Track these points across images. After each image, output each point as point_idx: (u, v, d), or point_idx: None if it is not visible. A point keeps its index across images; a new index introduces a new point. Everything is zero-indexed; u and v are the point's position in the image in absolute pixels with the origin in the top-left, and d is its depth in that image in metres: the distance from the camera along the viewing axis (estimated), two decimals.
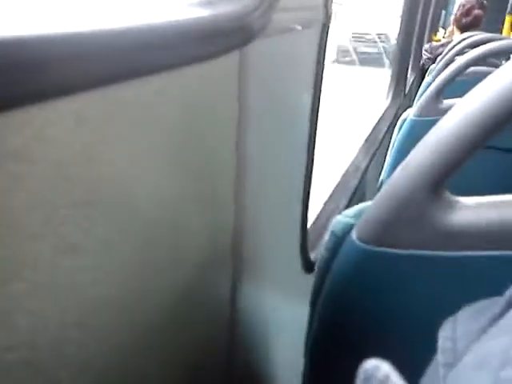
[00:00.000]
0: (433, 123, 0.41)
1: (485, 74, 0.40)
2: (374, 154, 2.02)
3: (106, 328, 0.36)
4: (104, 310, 0.36)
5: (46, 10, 0.29)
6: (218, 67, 0.46)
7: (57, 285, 0.31)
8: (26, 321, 0.29)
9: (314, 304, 0.48)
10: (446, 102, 1.25)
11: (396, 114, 2.48)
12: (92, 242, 0.33)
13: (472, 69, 1.31)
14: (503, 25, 5.09)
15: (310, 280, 0.50)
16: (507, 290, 0.26)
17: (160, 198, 0.40)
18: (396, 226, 0.42)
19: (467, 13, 2.96)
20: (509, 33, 4.83)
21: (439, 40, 3.96)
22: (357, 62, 9.25)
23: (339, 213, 0.48)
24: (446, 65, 1.53)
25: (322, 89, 0.81)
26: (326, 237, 0.47)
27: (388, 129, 2.31)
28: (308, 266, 0.85)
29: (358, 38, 9.49)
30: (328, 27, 0.78)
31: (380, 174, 1.62)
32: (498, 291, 0.27)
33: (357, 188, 1.67)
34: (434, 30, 4.22)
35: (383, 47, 9.25)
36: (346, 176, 1.75)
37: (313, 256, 0.85)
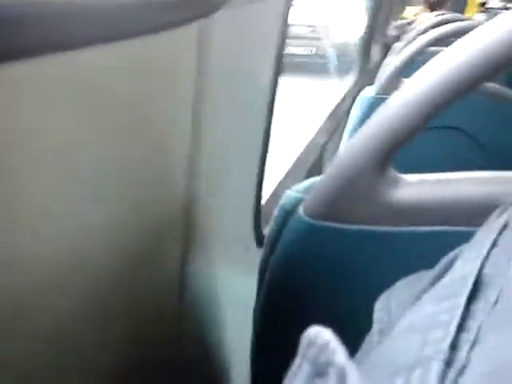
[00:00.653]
0: None
1: None
2: (334, 131, 2.03)
3: (56, 295, 0.36)
4: (55, 274, 0.35)
5: None
6: (176, 38, 0.46)
7: (16, 253, 0.31)
8: None
9: (261, 276, 0.49)
10: (406, 81, 1.26)
11: (359, 91, 2.50)
12: (35, 212, 0.33)
13: (433, 49, 1.32)
14: None
15: (261, 254, 0.50)
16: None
17: (108, 164, 0.40)
18: (342, 202, 0.43)
19: None
20: (472, 13, 4.89)
21: (407, 18, 3.97)
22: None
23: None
24: (407, 44, 1.54)
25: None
26: (275, 211, 0.48)
27: (351, 106, 2.33)
28: (261, 240, 0.85)
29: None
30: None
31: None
32: (436, 265, 0.28)
33: (315, 164, 1.68)
34: (402, 8, 4.23)
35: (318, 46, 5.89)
36: (304, 152, 1.75)
37: (266, 230, 0.86)
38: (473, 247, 0.25)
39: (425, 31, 1.71)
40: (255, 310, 0.51)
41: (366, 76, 2.80)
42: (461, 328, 0.19)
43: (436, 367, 0.17)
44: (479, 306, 0.20)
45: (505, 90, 1.16)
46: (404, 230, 0.43)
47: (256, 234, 0.85)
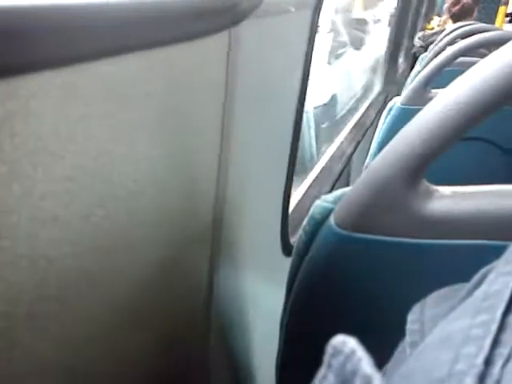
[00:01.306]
0: (419, 112, 0.41)
1: (473, 65, 0.40)
2: (360, 141, 2.03)
3: (83, 301, 0.36)
4: (82, 283, 0.36)
5: None
6: (207, 47, 0.46)
7: (36, 257, 0.31)
8: (3, 291, 0.29)
9: (290, 286, 0.49)
10: (434, 92, 1.25)
11: (385, 101, 2.49)
12: (72, 215, 0.33)
13: (462, 59, 1.31)
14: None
15: (289, 263, 0.50)
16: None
17: (142, 175, 0.40)
18: (373, 213, 0.42)
19: (456, 2, 2.96)
20: (501, 24, 4.84)
21: (433, 28, 3.95)
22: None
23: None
24: (436, 54, 1.53)
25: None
26: (305, 221, 0.48)
27: (376, 115, 2.32)
28: (288, 249, 0.85)
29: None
30: (320, 9, 0.78)
31: (365, 160, 1.63)
32: (469, 279, 0.28)
33: (341, 174, 1.67)
34: (428, 18, 4.21)
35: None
36: (330, 161, 1.75)
37: (293, 240, 0.86)
38: (506, 261, 0.25)
39: (453, 41, 1.69)
40: (282, 320, 0.51)
41: (392, 86, 2.79)
42: (495, 342, 0.19)
43: (469, 382, 0.17)
44: None
45: None
46: (436, 243, 0.42)
47: (283, 243, 0.85)
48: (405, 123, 0.42)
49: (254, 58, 0.57)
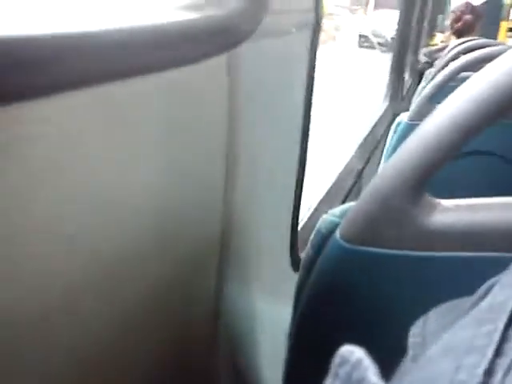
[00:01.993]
0: None
1: None
2: (369, 156, 2.03)
3: (90, 314, 0.37)
4: (89, 296, 0.36)
5: (31, 11, 0.30)
6: (206, 70, 0.47)
7: (43, 270, 0.32)
8: (9, 302, 0.30)
9: (297, 300, 0.49)
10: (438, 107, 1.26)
11: (393, 118, 2.49)
12: (80, 231, 0.34)
13: (465, 74, 1.32)
14: None
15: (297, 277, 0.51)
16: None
17: (148, 188, 0.41)
18: (377, 226, 0.43)
19: (458, 19, 2.98)
20: (504, 38, 4.85)
21: (436, 44, 3.97)
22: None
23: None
24: (440, 70, 1.54)
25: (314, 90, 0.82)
26: (312, 235, 0.49)
27: (384, 132, 2.32)
28: (297, 264, 0.85)
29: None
30: (319, 29, 0.79)
31: None
32: (473, 292, 0.29)
33: (351, 190, 1.68)
34: (431, 35, 4.23)
35: None
36: (340, 177, 1.75)
37: (303, 255, 0.86)
38: (511, 273, 0.25)
39: (456, 57, 1.71)
40: (289, 334, 0.51)
41: (399, 102, 2.79)
42: (497, 353, 0.19)
43: None
44: None
45: None
46: (440, 256, 0.43)
47: (292, 258, 0.85)
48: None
49: (254, 79, 0.58)
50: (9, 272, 0.29)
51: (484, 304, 0.23)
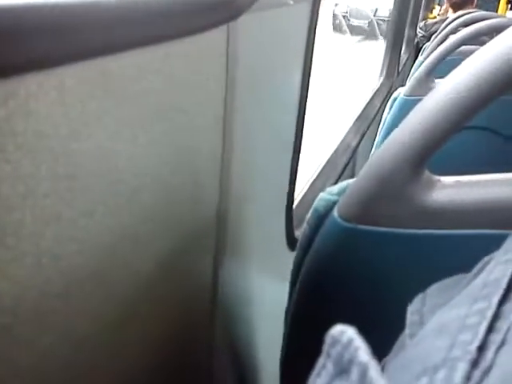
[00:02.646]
0: None
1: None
2: (365, 132, 2.02)
3: (88, 299, 0.37)
4: (87, 280, 0.36)
5: None
6: (205, 42, 0.46)
7: (40, 254, 0.31)
8: (8, 288, 0.29)
9: (294, 279, 0.49)
10: (438, 81, 1.25)
11: (389, 93, 2.48)
12: (75, 213, 0.33)
13: (464, 48, 1.30)
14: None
15: (293, 257, 0.50)
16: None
17: (143, 170, 0.41)
18: (376, 204, 0.42)
19: None
20: (504, 11, 4.81)
21: (435, 17, 3.93)
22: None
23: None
24: (438, 44, 1.52)
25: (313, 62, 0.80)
26: (309, 213, 0.48)
27: (380, 107, 2.31)
28: (293, 243, 0.85)
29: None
30: (319, 1, 0.78)
31: (371, 152, 1.62)
32: (472, 269, 0.28)
33: (346, 166, 1.67)
34: (430, 8, 4.19)
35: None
36: (335, 154, 1.75)
37: (298, 233, 0.86)
38: (506, 250, 0.25)
39: (455, 30, 1.69)
40: (287, 312, 0.51)
41: (394, 76, 2.78)
42: (490, 329, 0.19)
43: (462, 368, 0.17)
44: (509, 306, 0.20)
45: None
46: (440, 233, 0.42)
47: (288, 236, 0.85)
48: (409, 114, 0.42)
49: (253, 51, 0.57)
50: (4, 252, 0.28)
51: (478, 281, 0.23)
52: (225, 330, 0.64)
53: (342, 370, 0.16)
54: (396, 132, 0.42)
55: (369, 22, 9.84)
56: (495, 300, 0.20)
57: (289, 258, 0.83)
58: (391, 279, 0.45)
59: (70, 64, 0.30)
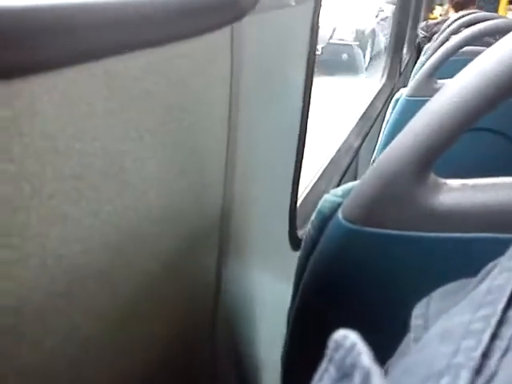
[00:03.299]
0: (425, 103, 0.41)
1: (480, 54, 0.40)
2: (367, 133, 2.02)
3: (93, 298, 0.37)
4: (91, 280, 0.36)
5: None
6: (209, 43, 0.46)
7: (45, 255, 0.31)
8: (13, 288, 0.29)
9: (298, 281, 0.49)
10: (440, 82, 1.25)
11: (391, 93, 2.48)
12: (80, 213, 0.33)
13: (467, 48, 1.30)
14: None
15: (297, 257, 0.50)
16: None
17: (148, 171, 0.41)
18: (381, 207, 0.42)
19: None
20: (504, 11, 4.80)
21: (436, 18, 3.93)
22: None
23: (329, 191, 0.48)
24: (440, 44, 1.52)
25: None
26: (313, 215, 0.48)
27: (382, 108, 2.31)
28: (296, 243, 0.85)
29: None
30: (321, 3, 0.78)
31: (373, 153, 1.62)
32: (478, 273, 0.28)
33: (349, 167, 1.67)
34: (431, 8, 4.19)
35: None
36: (338, 154, 1.75)
37: (301, 234, 0.86)
38: (510, 256, 0.25)
39: (457, 31, 1.68)
40: (290, 314, 0.51)
41: (395, 77, 2.78)
42: (495, 336, 0.19)
43: (465, 375, 0.17)
44: None
45: None
46: (445, 236, 0.42)
47: (291, 236, 0.85)
48: (412, 115, 0.41)
49: (257, 52, 0.57)
50: (9, 253, 0.28)
51: (482, 287, 0.23)
52: (228, 329, 0.64)
53: (345, 374, 0.17)
54: (401, 134, 0.42)
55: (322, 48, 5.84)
56: (500, 307, 0.20)
57: (291, 257, 0.83)
58: (396, 282, 0.45)
59: (76, 65, 0.30)
